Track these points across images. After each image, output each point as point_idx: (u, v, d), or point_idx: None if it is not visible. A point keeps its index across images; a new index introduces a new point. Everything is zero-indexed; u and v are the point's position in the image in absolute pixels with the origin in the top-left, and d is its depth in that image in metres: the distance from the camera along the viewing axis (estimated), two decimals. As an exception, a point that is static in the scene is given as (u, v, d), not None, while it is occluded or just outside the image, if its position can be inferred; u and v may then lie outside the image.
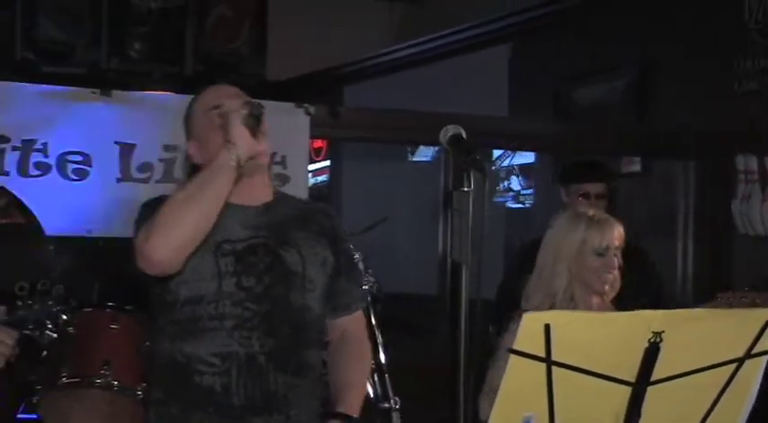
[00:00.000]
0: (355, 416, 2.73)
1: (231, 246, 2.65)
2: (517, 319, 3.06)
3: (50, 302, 2.92)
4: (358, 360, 2.85)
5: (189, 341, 2.61)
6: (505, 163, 7.32)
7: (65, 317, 2.95)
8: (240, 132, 2.55)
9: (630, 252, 4.31)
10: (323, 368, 2.78)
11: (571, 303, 3.25)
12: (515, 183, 7.26)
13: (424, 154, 7.85)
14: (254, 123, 2.60)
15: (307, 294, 2.68)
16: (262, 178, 2.75)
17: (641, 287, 4.22)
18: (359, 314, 2.90)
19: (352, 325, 2.87)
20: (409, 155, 8.05)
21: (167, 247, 2.49)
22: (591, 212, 3.38)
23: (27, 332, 2.90)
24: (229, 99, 2.68)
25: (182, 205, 2.51)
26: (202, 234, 2.53)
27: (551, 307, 3.20)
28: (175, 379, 2.63)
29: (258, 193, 2.74)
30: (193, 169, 2.78)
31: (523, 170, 7.23)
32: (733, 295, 3.53)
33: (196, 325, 2.61)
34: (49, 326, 2.91)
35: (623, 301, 3.27)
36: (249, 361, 2.59)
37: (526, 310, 3.11)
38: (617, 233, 3.32)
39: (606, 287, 3.30)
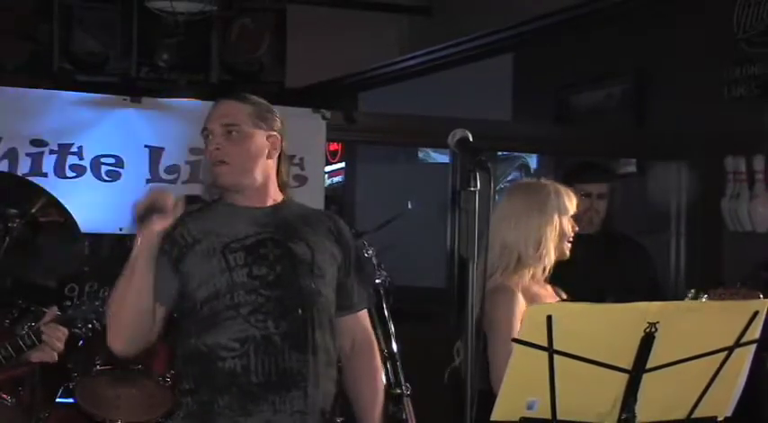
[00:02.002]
0: None
1: (239, 243, 2.66)
2: (492, 297, 3.00)
3: (97, 303, 2.94)
4: (373, 380, 2.84)
5: (210, 332, 2.61)
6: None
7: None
8: (146, 229, 2.61)
9: (631, 246, 4.28)
10: (334, 349, 2.75)
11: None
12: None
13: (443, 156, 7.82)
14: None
15: (316, 280, 2.68)
16: (267, 185, 2.75)
17: (642, 277, 4.22)
18: (364, 315, 2.85)
19: (360, 326, 2.83)
20: (424, 156, 8.05)
21: (119, 337, 2.67)
22: (542, 181, 3.19)
23: (76, 330, 2.92)
24: (212, 124, 2.72)
25: (115, 301, 2.64)
26: (145, 311, 2.63)
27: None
28: (201, 369, 2.63)
29: (266, 196, 2.74)
30: None
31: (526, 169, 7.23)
32: (725, 292, 3.51)
33: (215, 318, 2.61)
34: (96, 323, 2.93)
35: (625, 291, 3.19)
36: (265, 341, 2.59)
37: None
38: (574, 195, 3.14)
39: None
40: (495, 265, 3.02)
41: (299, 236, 2.70)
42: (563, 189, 3.11)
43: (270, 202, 2.74)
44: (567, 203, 3.09)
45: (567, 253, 3.10)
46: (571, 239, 3.10)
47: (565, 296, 3.15)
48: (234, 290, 2.60)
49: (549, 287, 3.12)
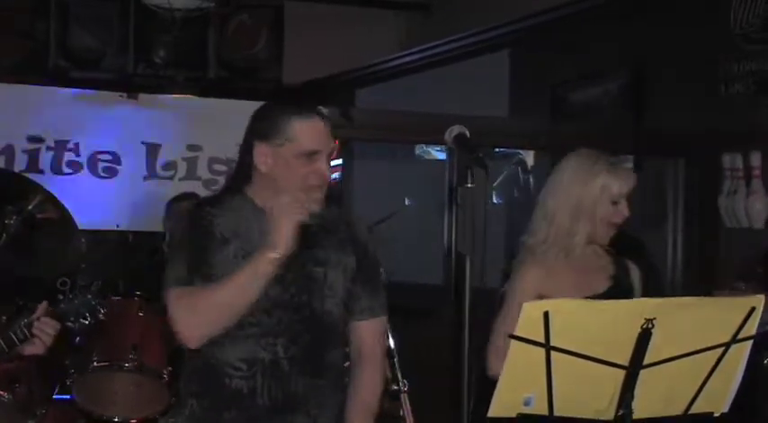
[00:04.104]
0: None
1: None
2: (517, 267, 3.01)
3: (89, 297, 2.93)
4: (370, 392, 2.77)
5: (219, 347, 2.57)
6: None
7: (102, 310, 2.96)
8: (285, 235, 2.48)
9: (633, 243, 4.24)
10: (343, 365, 2.72)
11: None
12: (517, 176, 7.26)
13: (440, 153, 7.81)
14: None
15: (327, 300, 2.63)
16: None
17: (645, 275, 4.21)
18: (376, 323, 2.76)
19: (368, 336, 2.75)
20: (421, 153, 8.04)
21: (203, 337, 2.55)
22: (604, 156, 3.05)
23: (68, 324, 2.92)
24: (326, 146, 2.62)
25: (222, 308, 2.53)
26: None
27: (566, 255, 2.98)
28: (209, 379, 2.61)
29: None
30: (239, 172, 2.68)
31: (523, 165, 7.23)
32: (730, 293, 3.50)
33: (227, 332, 2.56)
34: (87, 317, 2.93)
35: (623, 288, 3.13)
36: (273, 366, 2.56)
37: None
38: (632, 181, 3.02)
39: (610, 235, 3.02)
40: (538, 234, 3.00)
41: (314, 248, 2.63)
42: (621, 170, 3.01)
43: None
44: (616, 185, 2.97)
45: (606, 239, 3.01)
46: (615, 223, 3.00)
47: (634, 270, 3.08)
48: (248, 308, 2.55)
49: (607, 256, 3.04)
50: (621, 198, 3.00)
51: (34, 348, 2.87)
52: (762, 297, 2.37)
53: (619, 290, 3.02)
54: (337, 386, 2.68)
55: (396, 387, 3.59)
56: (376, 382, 2.78)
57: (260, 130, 2.63)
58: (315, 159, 2.59)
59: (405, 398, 3.57)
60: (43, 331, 2.83)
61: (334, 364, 2.66)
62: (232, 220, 2.62)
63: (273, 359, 2.56)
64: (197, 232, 2.60)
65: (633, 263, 3.12)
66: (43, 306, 2.85)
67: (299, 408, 2.59)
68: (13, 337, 2.84)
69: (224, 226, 2.61)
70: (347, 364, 2.76)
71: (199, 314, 2.53)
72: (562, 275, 2.97)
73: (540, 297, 2.82)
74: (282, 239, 2.49)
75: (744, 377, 2.42)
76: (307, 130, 2.60)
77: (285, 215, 2.50)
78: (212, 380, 2.59)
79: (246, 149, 2.65)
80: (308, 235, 2.60)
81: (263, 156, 2.60)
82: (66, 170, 4.48)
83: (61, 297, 2.88)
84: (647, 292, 3.07)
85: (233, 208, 2.65)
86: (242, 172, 2.67)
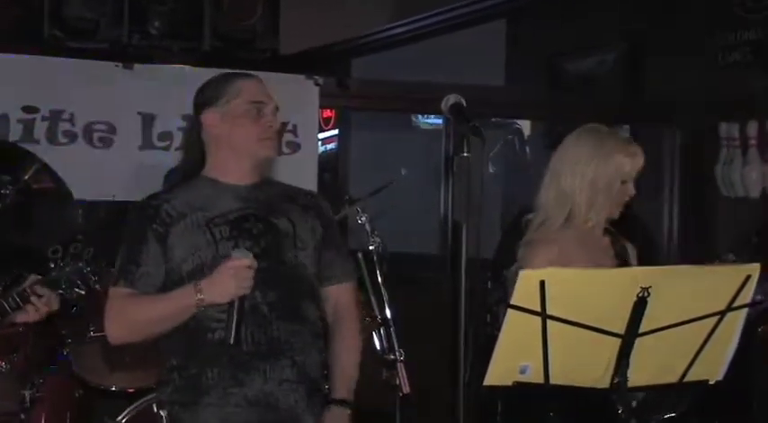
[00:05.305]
0: (351, 400, 2.77)
1: (223, 218, 2.67)
2: (527, 246, 2.98)
3: (81, 264, 2.93)
4: (351, 348, 2.83)
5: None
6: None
7: (94, 277, 2.96)
8: (223, 286, 2.55)
9: (630, 220, 4.24)
10: (318, 320, 2.77)
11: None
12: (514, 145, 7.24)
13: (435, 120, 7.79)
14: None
15: (299, 252, 2.71)
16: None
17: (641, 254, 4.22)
18: (348, 286, 2.87)
19: (343, 296, 2.84)
20: (418, 122, 8.01)
21: (125, 340, 2.77)
22: (615, 132, 3.04)
23: (60, 292, 2.91)
24: (269, 100, 2.74)
25: (147, 324, 2.66)
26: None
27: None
28: (189, 342, 2.64)
29: (248, 174, 2.75)
30: (190, 156, 2.79)
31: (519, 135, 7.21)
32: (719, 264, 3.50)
33: None
34: (80, 285, 2.92)
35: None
36: (253, 311, 2.60)
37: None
38: (642, 159, 2.99)
39: (617, 214, 3.00)
40: (550, 213, 2.96)
41: (280, 211, 2.73)
42: (633, 148, 2.99)
43: (251, 180, 2.76)
44: (629, 164, 2.96)
45: (617, 213, 3.00)
46: (623, 202, 3.00)
47: (631, 249, 3.08)
48: (219, 262, 2.59)
49: (607, 237, 3.04)
50: (631, 177, 2.98)
51: (27, 316, 2.87)
52: (757, 265, 2.37)
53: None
54: (317, 335, 2.74)
55: (392, 356, 3.61)
56: (355, 344, 2.85)
57: (204, 99, 2.76)
58: (263, 113, 2.72)
59: (401, 367, 3.58)
60: (36, 300, 2.83)
61: (310, 317, 2.72)
62: (188, 196, 2.71)
63: (253, 304, 2.61)
64: (138, 227, 2.68)
65: (628, 242, 3.11)
66: (31, 279, 2.85)
67: (283, 353, 2.63)
68: (6, 305, 2.85)
69: (177, 203, 2.69)
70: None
71: (125, 321, 2.68)
72: (574, 256, 2.92)
73: None
74: (215, 292, 2.56)
75: (738, 345, 2.43)
76: (249, 85, 2.75)
77: (234, 280, 2.55)
78: (193, 340, 2.63)
79: (194, 124, 2.79)
80: (270, 199, 2.73)
81: (212, 120, 2.73)
82: (61, 140, 4.45)
83: (53, 265, 2.88)
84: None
85: (192, 184, 2.75)
86: (193, 154, 2.78)
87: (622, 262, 3.03)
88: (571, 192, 2.95)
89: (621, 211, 3.06)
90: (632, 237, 4.31)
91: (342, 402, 2.76)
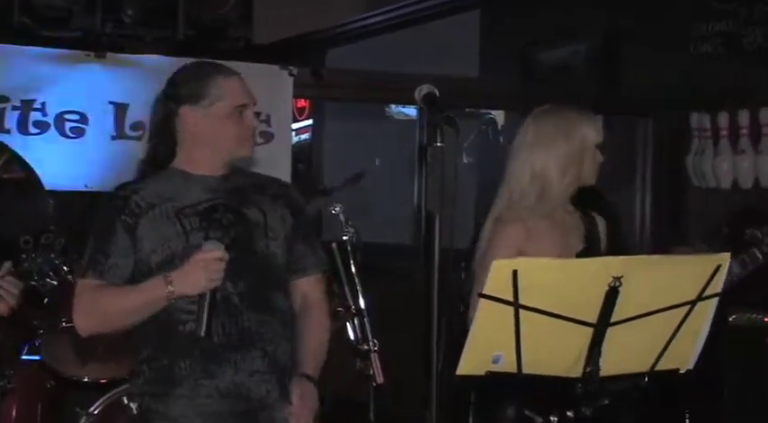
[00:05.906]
0: (316, 380, 2.76)
1: (193, 208, 2.66)
2: (494, 225, 3.00)
3: (53, 255, 2.91)
4: (318, 330, 2.82)
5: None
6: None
7: (66, 268, 2.94)
8: (194, 278, 2.54)
9: (592, 193, 4.28)
10: (288, 311, 2.76)
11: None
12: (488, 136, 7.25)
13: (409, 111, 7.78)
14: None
15: (270, 242, 2.70)
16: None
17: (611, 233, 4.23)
18: (317, 278, 2.86)
19: (312, 289, 2.84)
20: (392, 112, 8.00)
21: (94, 331, 2.76)
22: (570, 107, 3.12)
23: (32, 283, 2.89)
24: (251, 101, 2.73)
25: (116, 316, 2.66)
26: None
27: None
28: (160, 334, 2.64)
29: (217, 165, 2.73)
30: (160, 146, 2.75)
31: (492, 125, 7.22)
32: (687, 250, 3.53)
33: None
34: (52, 276, 2.90)
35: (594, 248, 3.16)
36: (224, 301, 2.60)
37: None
38: (601, 127, 3.12)
39: (595, 177, 3.09)
40: (526, 192, 3.00)
41: (250, 201, 2.72)
42: (589, 116, 3.08)
43: (221, 171, 2.74)
44: (593, 131, 3.05)
45: (593, 179, 3.07)
46: (598, 164, 3.07)
47: (600, 220, 3.13)
48: (190, 252, 2.58)
49: (577, 213, 3.09)
50: (597, 142, 3.05)
51: None
52: (728, 255, 2.39)
53: (591, 251, 3.05)
54: (287, 325, 2.73)
55: (366, 346, 3.61)
56: (324, 323, 2.85)
57: (185, 94, 2.70)
58: (244, 115, 2.70)
59: (375, 357, 3.58)
60: (6, 291, 2.81)
61: (280, 306, 2.72)
62: (157, 187, 2.69)
63: (224, 295, 2.60)
64: (107, 218, 2.67)
65: (597, 214, 3.15)
66: (6, 266, 2.83)
67: (254, 344, 2.63)
68: None
69: (146, 194, 2.67)
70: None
71: (95, 313, 2.67)
72: (544, 236, 2.97)
73: (522, 255, 2.84)
74: (185, 284, 2.55)
75: (709, 334, 2.45)
76: (233, 87, 2.71)
77: (204, 272, 2.54)
78: (164, 332, 2.63)
79: (168, 116, 2.72)
80: (239, 190, 2.72)
81: (191, 119, 2.69)
82: (32, 130, 4.41)
83: (24, 256, 2.86)
84: (612, 241, 3.12)
85: (162, 176, 2.73)
86: (165, 144, 2.74)
87: (590, 245, 3.06)
88: (543, 171, 3.00)
89: (585, 189, 3.11)
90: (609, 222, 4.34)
91: (309, 378, 2.74)
